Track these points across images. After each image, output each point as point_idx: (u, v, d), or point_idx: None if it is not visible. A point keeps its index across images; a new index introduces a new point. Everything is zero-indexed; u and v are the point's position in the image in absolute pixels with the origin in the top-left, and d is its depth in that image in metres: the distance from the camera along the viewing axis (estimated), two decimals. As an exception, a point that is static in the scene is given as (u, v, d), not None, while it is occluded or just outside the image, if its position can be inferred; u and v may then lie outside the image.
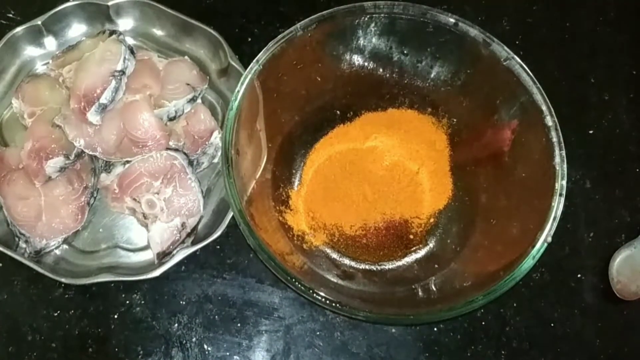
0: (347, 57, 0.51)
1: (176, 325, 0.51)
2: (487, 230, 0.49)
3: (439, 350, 0.51)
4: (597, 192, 0.56)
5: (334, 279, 0.49)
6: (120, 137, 0.51)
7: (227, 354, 0.50)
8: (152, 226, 0.51)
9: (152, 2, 0.56)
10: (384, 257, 0.52)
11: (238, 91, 0.46)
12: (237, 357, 0.50)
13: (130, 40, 0.57)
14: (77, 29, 0.58)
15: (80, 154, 0.52)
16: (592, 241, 0.54)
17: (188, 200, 0.51)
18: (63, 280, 0.49)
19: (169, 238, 0.50)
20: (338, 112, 0.55)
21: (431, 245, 0.52)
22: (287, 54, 0.48)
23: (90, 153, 0.52)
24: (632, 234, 0.54)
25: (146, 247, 0.52)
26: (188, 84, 0.54)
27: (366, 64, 0.52)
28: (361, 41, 0.50)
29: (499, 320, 0.52)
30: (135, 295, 0.51)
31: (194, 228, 0.52)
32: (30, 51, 0.57)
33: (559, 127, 0.44)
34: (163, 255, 0.50)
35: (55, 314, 0.51)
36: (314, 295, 0.42)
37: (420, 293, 0.49)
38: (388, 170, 0.53)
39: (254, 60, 0.47)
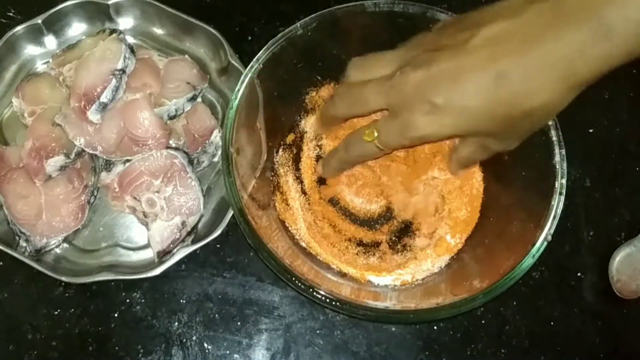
0: (347, 56, 0.51)
1: (176, 323, 0.51)
2: (487, 229, 0.49)
3: (439, 348, 0.51)
4: (597, 191, 0.56)
5: (334, 278, 0.49)
6: (120, 135, 0.51)
7: (227, 352, 0.50)
8: (153, 225, 0.51)
9: (152, 1, 0.56)
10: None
11: (238, 90, 0.46)
12: (237, 356, 0.50)
13: (130, 39, 0.57)
14: (77, 28, 0.58)
15: (80, 153, 0.52)
16: (592, 240, 0.54)
17: (188, 199, 0.51)
18: (63, 278, 0.49)
19: (169, 237, 0.50)
20: (338, 110, 0.55)
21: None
22: (287, 52, 0.48)
23: (91, 152, 0.52)
24: (632, 232, 0.54)
25: (146, 246, 0.52)
26: (188, 83, 0.54)
27: (366, 62, 0.52)
28: (361, 40, 0.50)
29: (498, 318, 0.52)
30: (135, 293, 0.51)
31: (194, 227, 0.52)
32: (30, 50, 0.57)
33: (558, 126, 0.44)
34: (163, 254, 0.50)
35: (56, 313, 0.51)
36: (314, 293, 0.42)
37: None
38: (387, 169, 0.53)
39: (254, 59, 0.47)
